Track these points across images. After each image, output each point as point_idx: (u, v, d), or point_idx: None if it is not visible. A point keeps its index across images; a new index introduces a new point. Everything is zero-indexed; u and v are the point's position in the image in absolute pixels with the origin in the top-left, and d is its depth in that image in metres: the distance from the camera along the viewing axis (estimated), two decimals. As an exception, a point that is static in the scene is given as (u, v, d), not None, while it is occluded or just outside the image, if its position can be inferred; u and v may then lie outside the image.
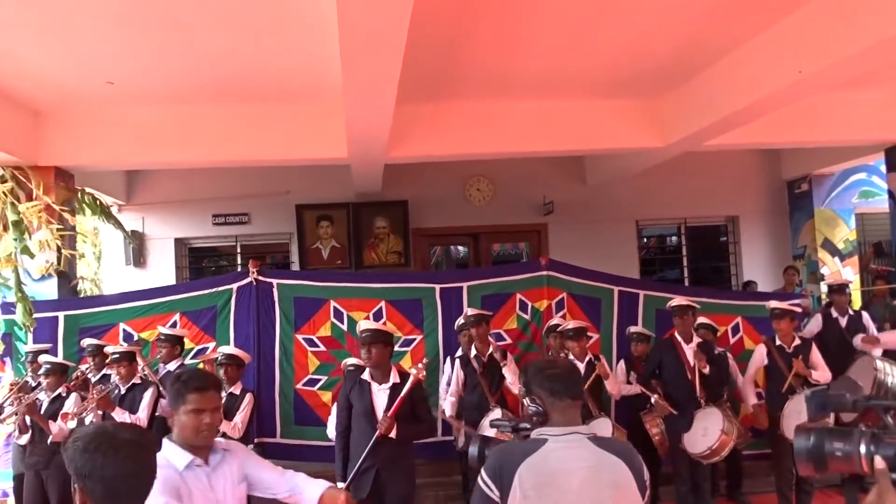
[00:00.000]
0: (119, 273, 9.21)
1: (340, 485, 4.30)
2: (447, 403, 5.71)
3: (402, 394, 4.20)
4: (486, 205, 9.83)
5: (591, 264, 7.68)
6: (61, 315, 6.48)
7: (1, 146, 5.92)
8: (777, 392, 5.51)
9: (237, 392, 5.24)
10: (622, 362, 6.33)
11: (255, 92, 6.37)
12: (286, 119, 6.81)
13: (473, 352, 5.65)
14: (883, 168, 8.80)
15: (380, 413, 4.22)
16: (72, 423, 5.08)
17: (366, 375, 4.38)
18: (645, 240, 10.87)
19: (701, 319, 6.26)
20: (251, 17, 4.63)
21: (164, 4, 4.40)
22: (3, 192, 5.91)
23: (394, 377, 4.34)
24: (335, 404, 5.07)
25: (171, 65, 5.60)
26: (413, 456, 4.49)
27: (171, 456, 2.42)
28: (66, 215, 6.55)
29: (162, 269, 9.31)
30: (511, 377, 5.57)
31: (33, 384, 5.56)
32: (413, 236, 9.77)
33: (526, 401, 2.33)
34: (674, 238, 10.93)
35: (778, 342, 5.64)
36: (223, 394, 5.24)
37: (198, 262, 9.83)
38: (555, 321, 6.30)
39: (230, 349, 5.56)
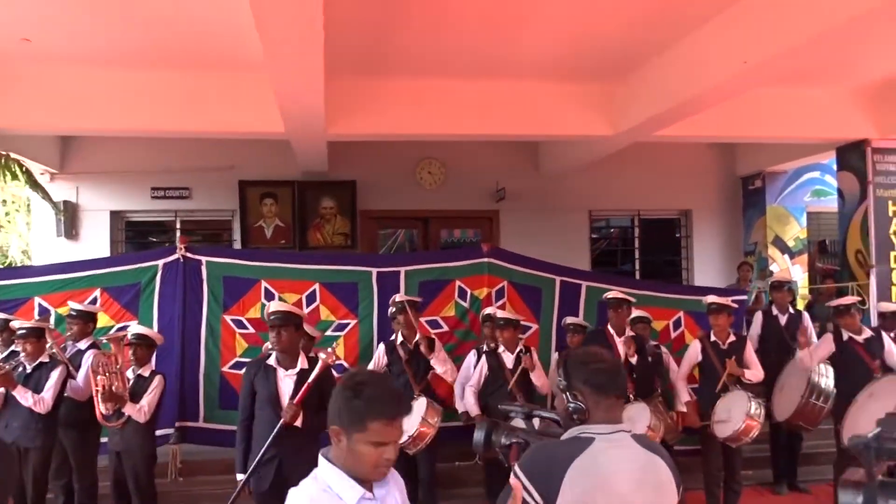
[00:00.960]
0: (50, 245, 8.82)
1: (240, 476, 4.08)
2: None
3: (309, 380, 3.98)
4: (437, 189, 9.61)
5: (543, 253, 7.53)
6: (-30, 287, 6.14)
7: None
8: (709, 390, 5.41)
9: (146, 374, 4.98)
10: (556, 355, 6.18)
11: (191, 59, 6.12)
12: (223, 89, 6.55)
13: (400, 338, 5.44)
14: (835, 167, 8.77)
15: (285, 400, 4.00)
16: (-37, 401, 4.79)
17: (271, 360, 4.16)
18: (602, 230, 10.77)
19: (637, 313, 6.12)
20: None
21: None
22: None
23: (301, 362, 4.12)
24: None
25: (97, 27, 5.35)
26: (319, 447, 4.26)
27: (336, 486, 1.87)
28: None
29: (96, 243, 8.93)
30: (441, 367, 5.38)
31: (2, 354, 5.25)
32: (361, 218, 9.52)
33: (566, 395, 2.10)
34: (627, 230, 10.82)
35: (713, 338, 5.54)
36: (130, 375, 4.98)
37: (135, 237, 9.46)
38: (490, 310, 6.12)
39: (140, 328, 5.29)
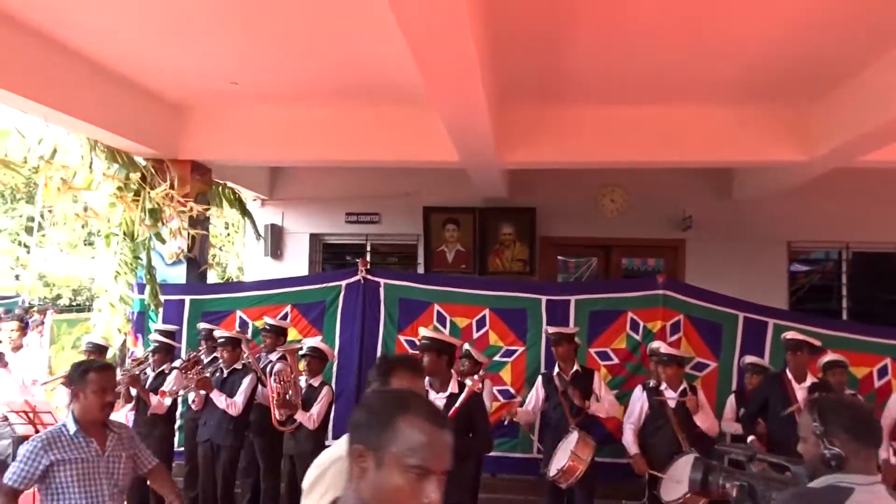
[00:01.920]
0: (258, 264, 9.79)
1: None
2: (625, 434, 5.41)
3: (455, 405, 4.06)
4: (619, 216, 9.37)
5: (733, 288, 7.07)
6: (187, 299, 6.99)
7: (143, 140, 6.48)
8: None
9: (316, 384, 5.36)
10: (732, 396, 5.75)
11: (376, 94, 6.53)
12: (404, 121, 6.90)
13: (556, 370, 5.37)
14: None
15: None
16: (168, 400, 5.45)
17: (426, 382, 4.28)
18: (804, 264, 9.84)
19: (832, 356, 5.55)
20: (365, 24, 4.75)
21: (282, 11, 4.62)
22: (138, 182, 6.43)
23: (452, 387, 4.22)
24: None
25: (296, 67, 5.90)
26: (469, 470, 4.34)
27: None
28: (200, 205, 7.05)
29: (297, 262, 9.78)
30: (603, 412, 5.24)
31: (206, 359, 6.03)
32: (540, 244, 9.53)
33: (822, 441, 2.09)
34: (834, 265, 9.77)
35: (919, 391, 4.86)
36: (303, 385, 5.37)
37: (331, 258, 10.22)
38: (656, 344, 5.84)
39: (315, 342, 5.70)
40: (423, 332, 4.51)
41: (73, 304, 23.28)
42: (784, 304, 9.02)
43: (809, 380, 4.87)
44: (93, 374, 3.18)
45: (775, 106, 6.48)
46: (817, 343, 5.09)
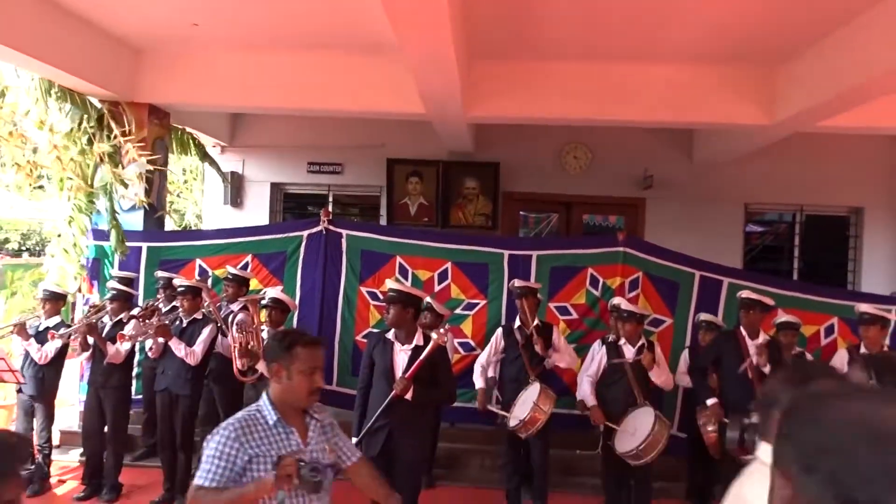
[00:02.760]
0: (217, 212, 9.62)
1: (354, 440, 4.30)
2: (475, 371, 5.55)
3: (420, 357, 4.10)
4: (582, 173, 9.43)
5: (691, 246, 7.21)
6: (145, 246, 6.86)
7: (99, 81, 6.25)
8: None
9: (278, 336, 5.33)
10: (686, 351, 5.92)
11: (341, 42, 6.40)
12: (370, 71, 6.78)
13: (517, 323, 5.44)
14: None
15: (398, 373, 4.15)
16: (126, 345, 5.38)
17: (390, 335, 4.32)
18: (762, 225, 10.07)
19: (785, 317, 5.74)
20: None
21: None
22: (93, 128, 6.23)
23: (418, 339, 4.26)
24: None
25: (257, 12, 5.72)
26: (429, 419, 4.40)
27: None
28: (158, 151, 6.86)
29: (258, 212, 9.64)
30: (563, 362, 5.35)
31: (164, 308, 5.93)
32: (503, 200, 9.55)
33: None
34: (788, 227, 10.03)
35: (862, 349, 5.06)
36: (265, 336, 5.35)
37: (292, 208, 10.10)
38: (617, 300, 5.95)
39: (277, 293, 5.66)
40: (390, 283, 4.51)
41: (23, 248, 22.66)
42: (739, 264, 9.25)
43: (762, 337, 5.02)
44: (301, 350, 2.56)
45: (740, 69, 6.53)
46: (770, 302, 5.23)
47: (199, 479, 2.43)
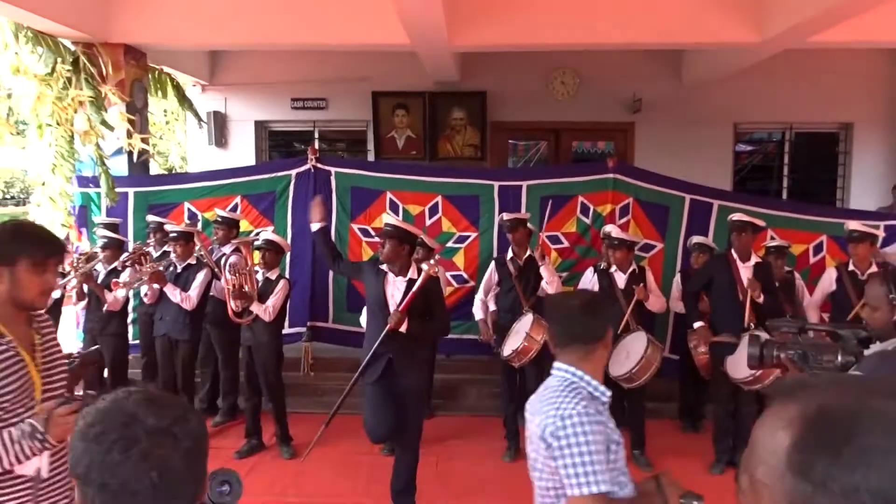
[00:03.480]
0: (202, 152, 9.49)
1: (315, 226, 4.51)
2: (475, 304, 5.62)
3: (413, 289, 4.13)
4: (569, 99, 9.30)
5: (681, 168, 7.20)
6: (131, 191, 6.77)
7: (69, 21, 6.03)
8: (842, 321, 5.05)
9: (273, 277, 5.36)
10: (678, 276, 5.97)
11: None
12: (352, 2, 6.58)
13: (510, 254, 5.47)
14: None
15: (391, 305, 4.19)
16: (122, 292, 5.39)
17: (384, 266, 4.32)
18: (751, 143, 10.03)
19: (775, 242, 5.79)
20: None
21: None
22: (69, 72, 6.06)
23: (412, 272, 4.27)
24: None
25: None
26: (426, 351, 4.47)
27: None
28: (137, 92, 6.70)
29: (242, 151, 9.51)
30: (548, 277, 5.38)
31: (156, 253, 5.91)
32: (491, 129, 9.44)
33: None
34: (777, 145, 10.00)
35: (851, 267, 5.12)
36: (259, 277, 5.35)
37: (277, 146, 9.97)
38: (609, 227, 5.97)
39: (270, 234, 5.64)
40: (387, 218, 4.49)
41: (7, 196, 22.43)
42: (728, 184, 9.26)
43: (753, 259, 5.06)
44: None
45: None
46: (761, 223, 5.25)
47: (593, 486, 1.95)
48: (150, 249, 6.11)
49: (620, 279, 5.14)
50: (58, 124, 6.14)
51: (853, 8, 5.48)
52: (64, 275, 5.78)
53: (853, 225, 5.23)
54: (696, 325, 5.12)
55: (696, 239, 6.00)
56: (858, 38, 6.50)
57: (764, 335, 4.02)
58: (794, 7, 5.91)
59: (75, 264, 5.72)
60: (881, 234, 5.49)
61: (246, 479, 5.02)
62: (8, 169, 18.70)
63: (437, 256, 5.30)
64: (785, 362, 2.29)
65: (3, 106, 6.62)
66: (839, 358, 2.20)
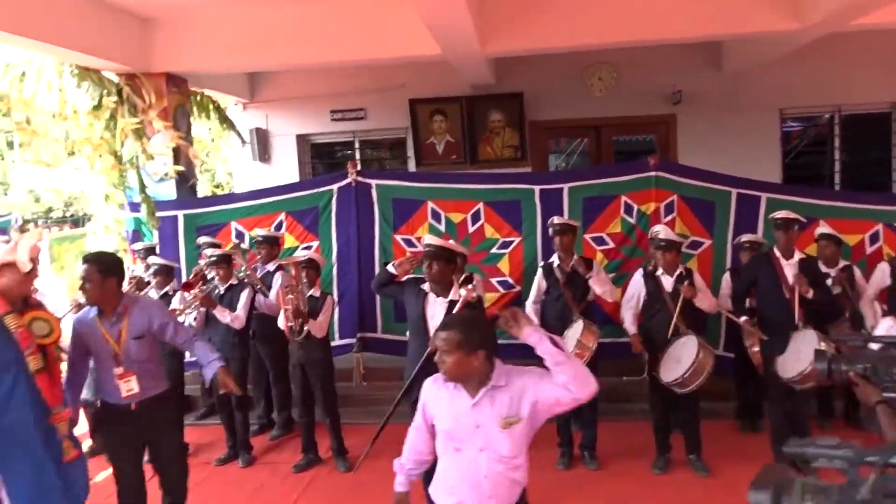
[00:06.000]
0: (246, 168, 9.68)
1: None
2: (529, 313, 5.60)
3: (453, 313, 4.13)
4: (608, 95, 9.18)
5: (726, 159, 7.08)
6: (180, 214, 6.95)
7: (113, 56, 6.23)
8: None
9: (317, 294, 5.47)
10: (727, 274, 5.86)
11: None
12: (382, 16, 6.65)
13: (557, 261, 5.44)
14: None
15: (431, 325, 4.20)
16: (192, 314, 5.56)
17: (425, 286, 4.34)
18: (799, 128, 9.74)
19: (823, 229, 5.63)
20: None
21: None
22: (115, 104, 6.26)
23: (453, 294, 4.26)
24: None
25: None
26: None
27: None
28: (180, 118, 6.88)
29: (285, 164, 9.68)
30: (600, 288, 5.33)
31: (147, 279, 6.08)
32: (530, 129, 9.40)
33: None
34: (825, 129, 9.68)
35: (906, 258, 4.95)
36: (306, 294, 5.44)
37: (319, 157, 10.11)
38: (658, 227, 5.88)
39: (309, 254, 5.75)
40: (429, 239, 4.49)
41: (67, 216, 23.22)
42: (777, 172, 9.05)
43: (797, 256, 4.93)
44: None
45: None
46: (803, 219, 5.11)
47: None
48: (206, 271, 6.23)
49: (667, 282, 5.06)
50: (107, 155, 6.34)
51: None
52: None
53: (907, 212, 5.06)
54: (740, 320, 5.04)
55: (744, 238, 5.88)
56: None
57: (826, 346, 3.96)
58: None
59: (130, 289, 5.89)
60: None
61: (304, 493, 5.12)
62: (67, 189, 19.37)
63: (477, 278, 5.29)
64: (854, 379, 2.27)
65: (57, 129, 6.85)
66: None
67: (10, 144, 21.38)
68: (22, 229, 17.90)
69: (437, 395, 2.74)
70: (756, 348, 5.25)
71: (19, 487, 3.12)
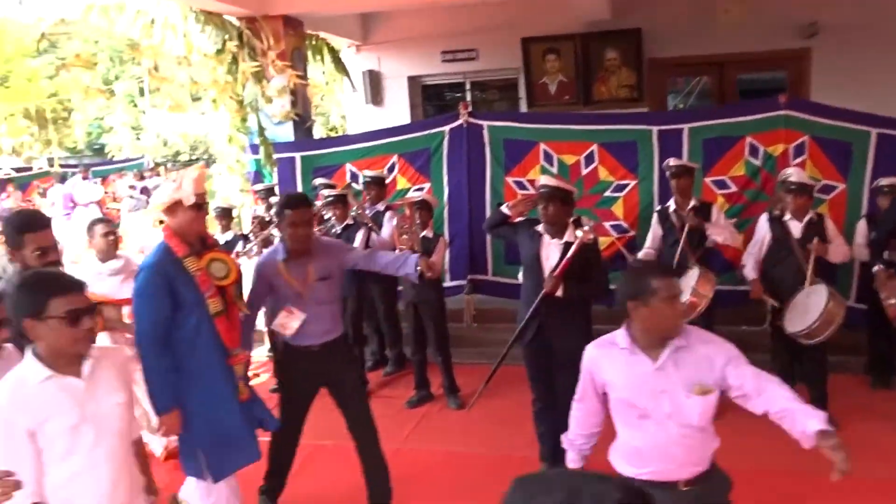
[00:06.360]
0: (359, 111, 9.81)
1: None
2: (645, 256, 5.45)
3: (568, 255, 4.06)
4: (734, 28, 8.57)
5: (869, 98, 6.45)
6: (298, 156, 7.13)
7: (233, -1, 6.40)
8: None
9: (431, 235, 5.53)
10: (863, 220, 5.45)
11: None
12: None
13: (673, 206, 5.22)
14: None
15: (546, 267, 4.14)
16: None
17: (540, 227, 4.27)
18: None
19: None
20: None
21: None
22: (236, 47, 6.44)
23: (569, 235, 4.17)
24: None
25: None
26: (582, 314, 4.38)
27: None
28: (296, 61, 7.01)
29: (397, 107, 9.72)
30: (720, 236, 5.10)
31: (267, 218, 6.33)
32: (648, 68, 8.99)
33: None
34: None
35: None
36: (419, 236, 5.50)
37: (430, 99, 10.09)
38: (790, 170, 5.50)
39: (420, 195, 5.80)
40: (546, 179, 4.40)
41: (193, 158, 24.49)
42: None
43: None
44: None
45: None
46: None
47: None
48: (323, 212, 6.41)
49: (796, 228, 4.76)
50: (230, 98, 6.58)
51: None
52: (244, 237, 6.27)
53: None
54: (875, 268, 4.69)
55: (884, 181, 5.42)
56: None
57: None
58: None
59: (253, 229, 6.17)
60: None
61: (416, 428, 5.27)
62: (192, 134, 20.40)
63: (591, 223, 5.17)
64: None
65: (183, 75, 7.14)
66: None
67: (141, 91, 22.65)
68: (152, 170, 19.03)
69: (609, 361, 2.55)
70: (892, 300, 4.88)
71: (199, 426, 3.28)
